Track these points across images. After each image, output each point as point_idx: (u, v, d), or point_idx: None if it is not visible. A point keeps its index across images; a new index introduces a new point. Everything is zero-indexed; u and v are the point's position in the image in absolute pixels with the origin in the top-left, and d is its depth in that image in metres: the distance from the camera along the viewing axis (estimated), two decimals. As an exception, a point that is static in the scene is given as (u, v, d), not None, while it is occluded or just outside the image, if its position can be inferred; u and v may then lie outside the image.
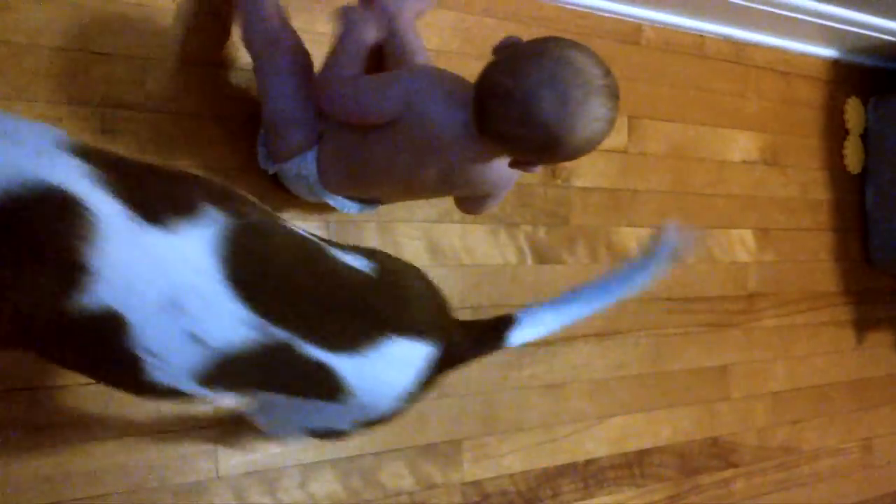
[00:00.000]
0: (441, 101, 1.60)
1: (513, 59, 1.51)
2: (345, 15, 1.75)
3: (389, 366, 1.34)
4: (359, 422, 1.44)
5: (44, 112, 1.58)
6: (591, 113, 1.47)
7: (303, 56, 1.72)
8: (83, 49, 1.62)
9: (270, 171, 1.80)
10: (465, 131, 1.58)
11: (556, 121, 1.46)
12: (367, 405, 1.38)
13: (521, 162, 1.62)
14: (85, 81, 1.62)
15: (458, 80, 1.65)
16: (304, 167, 1.73)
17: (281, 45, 1.70)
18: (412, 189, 1.72)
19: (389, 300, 1.36)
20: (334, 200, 1.78)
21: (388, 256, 1.46)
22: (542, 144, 1.50)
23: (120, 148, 1.65)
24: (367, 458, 1.98)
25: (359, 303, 1.32)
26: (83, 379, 1.62)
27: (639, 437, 2.46)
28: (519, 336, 1.51)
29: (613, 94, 1.50)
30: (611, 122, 1.52)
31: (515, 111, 1.48)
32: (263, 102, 1.73)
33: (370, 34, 1.75)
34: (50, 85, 1.59)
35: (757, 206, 2.77)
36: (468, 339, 1.48)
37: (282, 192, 1.84)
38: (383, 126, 1.62)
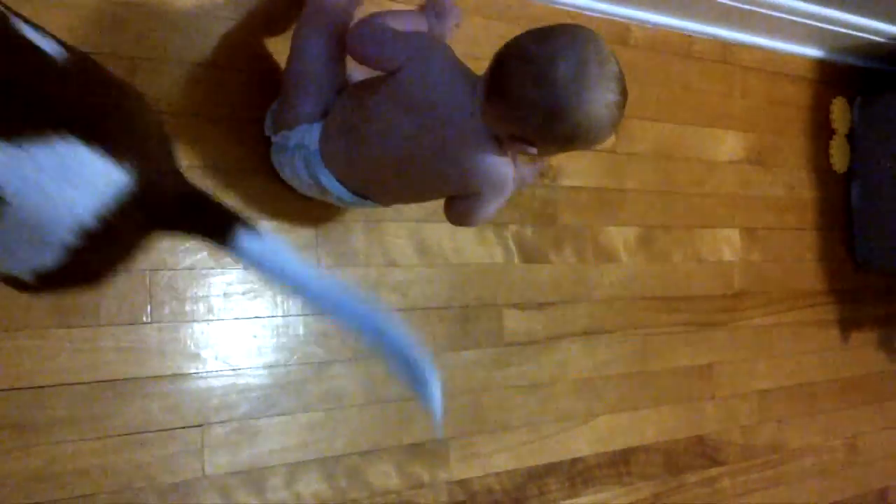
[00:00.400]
0: (446, 66, 1.65)
1: (541, 29, 1.56)
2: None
3: (62, 176, 1.08)
4: (30, 266, 1.16)
5: (31, 111, 1.57)
6: (602, 93, 1.50)
7: (344, 31, 1.75)
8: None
9: (273, 139, 1.80)
10: (463, 101, 1.61)
11: (567, 87, 1.48)
12: (27, 223, 1.09)
13: (518, 138, 1.60)
14: (72, 80, 1.61)
15: (465, 65, 1.69)
16: (306, 136, 1.74)
17: (330, 13, 1.74)
18: (405, 173, 1.71)
19: (79, 100, 1.12)
20: (328, 179, 1.76)
21: (99, 64, 1.22)
22: (547, 112, 1.51)
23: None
24: (354, 458, 1.98)
25: (34, 86, 1.08)
26: (70, 378, 1.62)
27: (625, 435, 2.47)
28: (247, 242, 1.26)
29: (623, 91, 1.54)
30: (614, 119, 1.54)
31: (532, 70, 1.51)
32: (290, 63, 1.77)
33: (425, 25, 1.84)
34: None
35: (743, 206, 2.78)
36: (189, 202, 1.26)
37: (275, 192, 1.84)
38: (388, 83, 1.66)
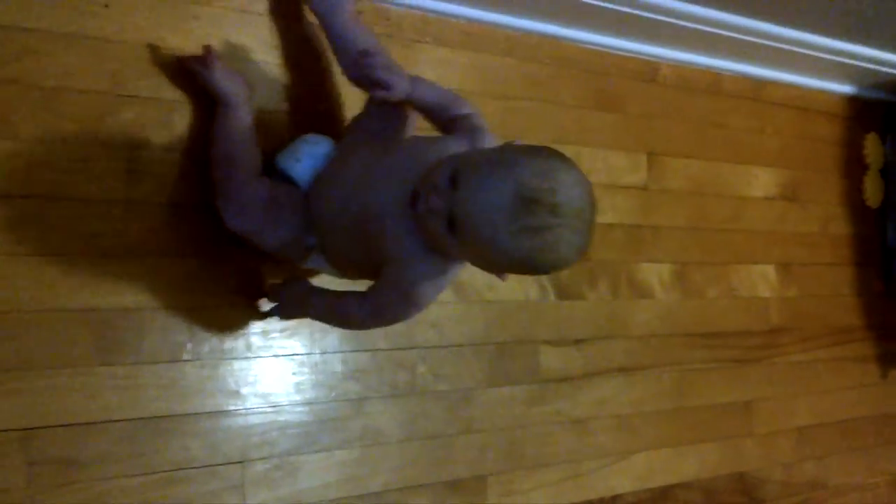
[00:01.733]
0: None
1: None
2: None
3: None
4: None
5: (70, 153, 1.60)
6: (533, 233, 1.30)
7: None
8: (111, 92, 1.65)
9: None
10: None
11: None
12: None
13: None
14: (112, 123, 1.65)
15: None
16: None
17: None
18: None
19: None
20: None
21: None
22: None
23: (146, 189, 1.68)
24: (393, 494, 1.98)
25: None
26: (113, 415, 1.64)
27: (664, 472, 2.46)
28: None
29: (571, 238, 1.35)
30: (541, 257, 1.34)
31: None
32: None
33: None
34: (77, 127, 1.62)
35: (778, 242, 2.78)
36: None
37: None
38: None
